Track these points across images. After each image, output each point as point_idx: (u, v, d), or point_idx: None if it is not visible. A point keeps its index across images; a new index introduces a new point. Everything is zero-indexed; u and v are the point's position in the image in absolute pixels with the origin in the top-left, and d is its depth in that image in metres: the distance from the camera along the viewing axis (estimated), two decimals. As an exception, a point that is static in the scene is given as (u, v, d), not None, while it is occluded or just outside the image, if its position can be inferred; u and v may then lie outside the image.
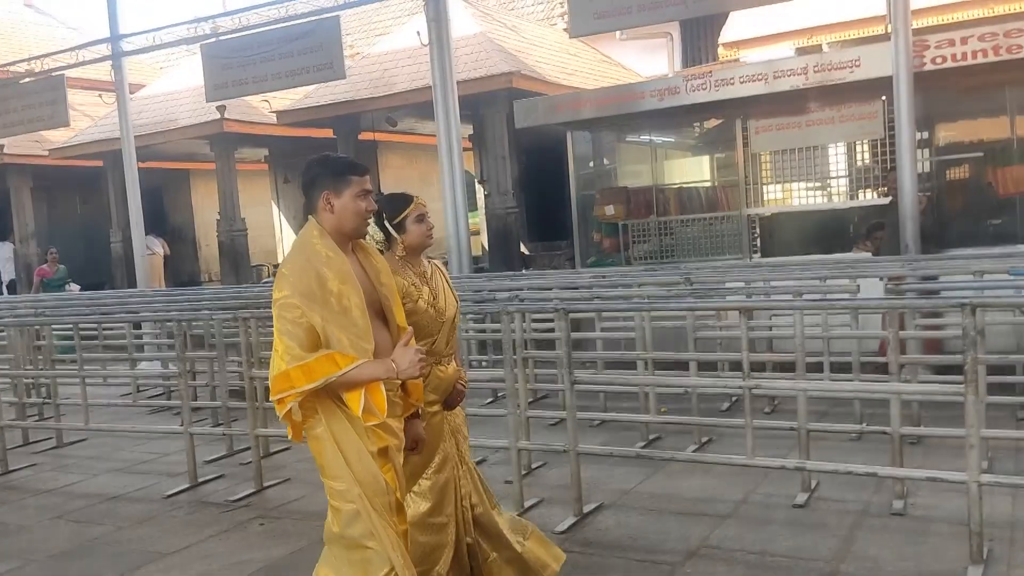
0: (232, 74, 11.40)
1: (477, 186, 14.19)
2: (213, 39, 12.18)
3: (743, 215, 9.20)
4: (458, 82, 9.95)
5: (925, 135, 9.11)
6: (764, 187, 9.41)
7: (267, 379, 6.52)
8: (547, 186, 12.44)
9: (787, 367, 5.58)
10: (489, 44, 12.11)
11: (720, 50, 13.80)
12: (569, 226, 10.60)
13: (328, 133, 13.94)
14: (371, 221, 3.43)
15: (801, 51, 13.20)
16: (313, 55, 10.46)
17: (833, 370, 6.17)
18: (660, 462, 5.77)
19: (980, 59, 7.46)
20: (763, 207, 9.33)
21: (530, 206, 13.07)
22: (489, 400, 7.97)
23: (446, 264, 8.20)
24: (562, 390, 5.54)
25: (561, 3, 16.55)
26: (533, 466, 6.01)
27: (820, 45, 13.29)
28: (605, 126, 10.23)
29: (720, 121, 10.06)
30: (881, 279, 6.29)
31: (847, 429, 5.61)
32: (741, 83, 8.52)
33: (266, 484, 6.00)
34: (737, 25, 12.86)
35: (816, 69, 8.11)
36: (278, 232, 17.60)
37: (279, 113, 13.76)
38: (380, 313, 3.07)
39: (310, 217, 3.07)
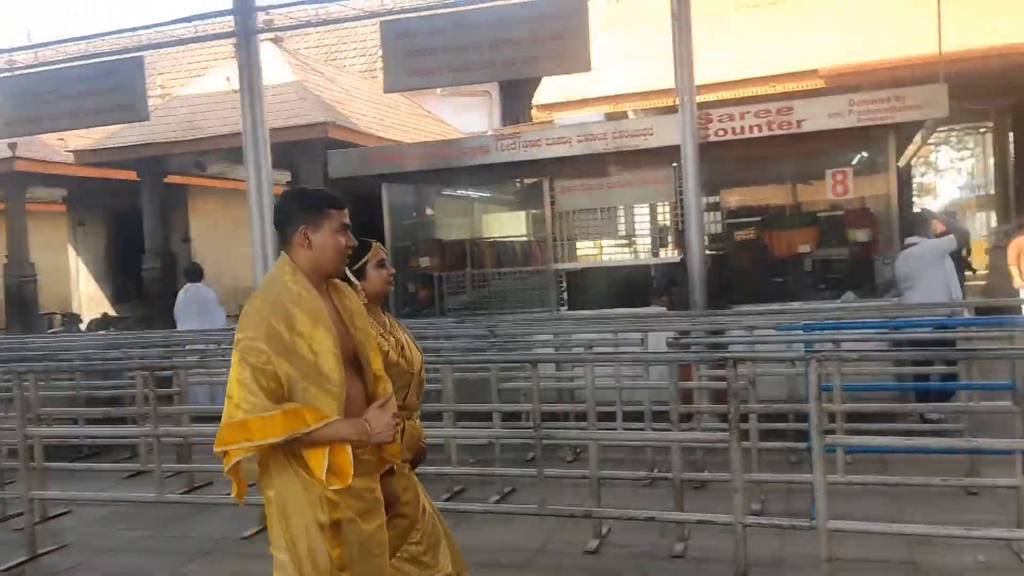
0: (26, 111, 10.70)
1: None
2: (7, 73, 11.42)
3: (551, 270, 9.57)
4: (272, 129, 9.82)
5: (715, 199, 9.88)
6: (572, 243, 9.85)
7: (45, 437, 6.16)
8: (369, 235, 12.41)
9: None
10: (305, 93, 12.06)
11: (534, 111, 14.41)
12: (386, 277, 10.56)
13: (132, 175, 13.31)
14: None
15: (610, 116, 14.03)
16: (115, 95, 10.01)
17: (635, 419, 6.49)
18: (464, 514, 5.86)
19: (756, 133, 8.21)
20: (570, 262, 9.75)
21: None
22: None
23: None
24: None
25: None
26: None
27: (626, 112, 14.20)
28: (420, 179, 10.39)
29: (531, 180, 10.46)
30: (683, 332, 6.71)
31: (636, 476, 5.92)
32: (548, 145, 8.93)
33: (41, 551, 5.57)
34: (549, 89, 13.50)
35: (615, 135, 8.64)
36: (74, 278, 16.49)
37: (77, 153, 13.02)
38: (354, 360, 2.81)
39: (282, 253, 2.85)
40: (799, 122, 8.02)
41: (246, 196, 9.51)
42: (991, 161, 20.36)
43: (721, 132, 8.27)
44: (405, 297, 10.14)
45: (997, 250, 18.49)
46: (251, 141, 9.31)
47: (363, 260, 3.42)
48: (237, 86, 9.62)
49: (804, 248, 8.72)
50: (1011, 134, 17.40)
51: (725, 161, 9.03)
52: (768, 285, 9.20)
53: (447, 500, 6.26)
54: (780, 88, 12.45)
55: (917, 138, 10.05)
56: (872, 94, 7.89)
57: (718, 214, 9.86)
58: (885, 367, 6.59)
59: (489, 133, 14.88)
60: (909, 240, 8.07)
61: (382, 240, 10.40)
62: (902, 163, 12.08)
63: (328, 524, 2.64)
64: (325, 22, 10.91)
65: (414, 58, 8.77)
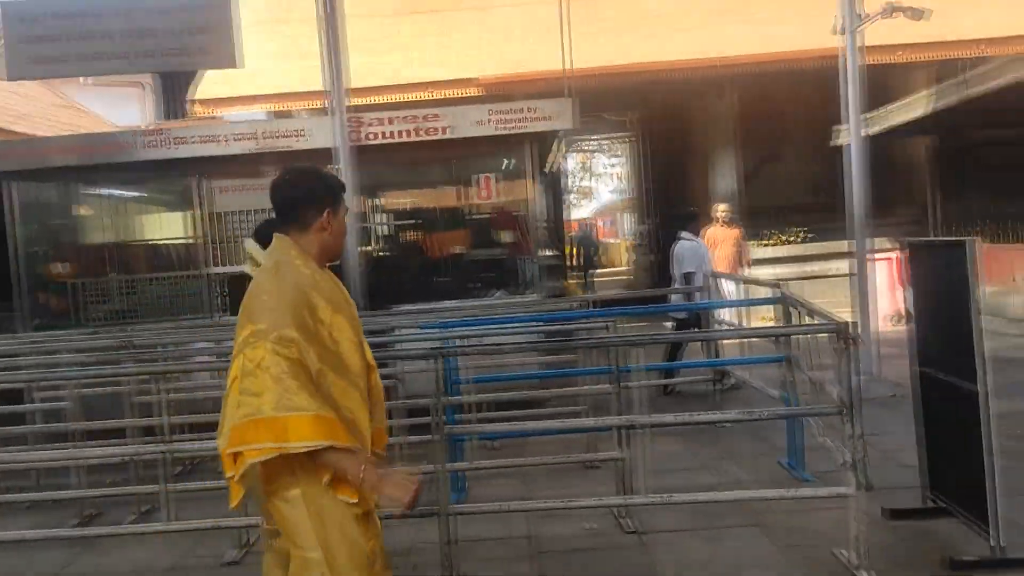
0: None
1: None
2: None
3: (205, 274, 9.17)
4: None
5: (379, 201, 10.04)
6: (231, 246, 9.48)
7: None
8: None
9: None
10: (-90, 76, 10.45)
11: (196, 107, 13.71)
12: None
13: None
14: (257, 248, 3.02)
15: (277, 115, 13.76)
16: None
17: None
18: (95, 539, 5.46)
19: (406, 138, 8.47)
20: (228, 266, 9.40)
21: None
22: None
23: None
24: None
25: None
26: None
27: (293, 112, 14.00)
28: (55, 177, 9.42)
29: (184, 179, 9.93)
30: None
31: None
32: (197, 143, 8.52)
33: None
34: (209, 84, 12.92)
35: (266, 135, 8.46)
36: None
37: None
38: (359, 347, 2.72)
39: (279, 236, 2.66)
40: (445, 128, 8.41)
41: None
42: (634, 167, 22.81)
43: (373, 136, 8.44)
44: (34, 308, 9.13)
45: (639, 247, 20.88)
46: None
47: None
48: None
49: (458, 249, 9.16)
50: (646, 144, 19.67)
51: (385, 164, 9.21)
52: (428, 285, 9.55)
53: (77, 525, 5.79)
54: (442, 94, 13.00)
55: (558, 146, 10.95)
56: (509, 104, 8.48)
57: (383, 216, 10.03)
58: (531, 357, 7.14)
59: (144, 127, 13.90)
60: (685, 234, 9.26)
61: (6, 246, 9.36)
62: (550, 169, 13.14)
63: (362, 515, 2.57)
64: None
65: (39, 44, 7.98)
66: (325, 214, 2.71)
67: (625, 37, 13.77)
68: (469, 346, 5.51)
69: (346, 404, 2.58)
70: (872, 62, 10.11)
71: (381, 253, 9.71)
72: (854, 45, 8.94)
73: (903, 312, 12.37)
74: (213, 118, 14.25)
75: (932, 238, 12.00)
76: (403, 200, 10.08)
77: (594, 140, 26.75)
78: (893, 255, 12.61)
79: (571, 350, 6.29)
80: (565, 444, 6.25)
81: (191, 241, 9.49)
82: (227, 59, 7.76)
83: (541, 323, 6.71)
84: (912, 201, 15.12)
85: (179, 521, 4.65)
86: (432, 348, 4.75)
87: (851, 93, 8.99)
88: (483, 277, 9.38)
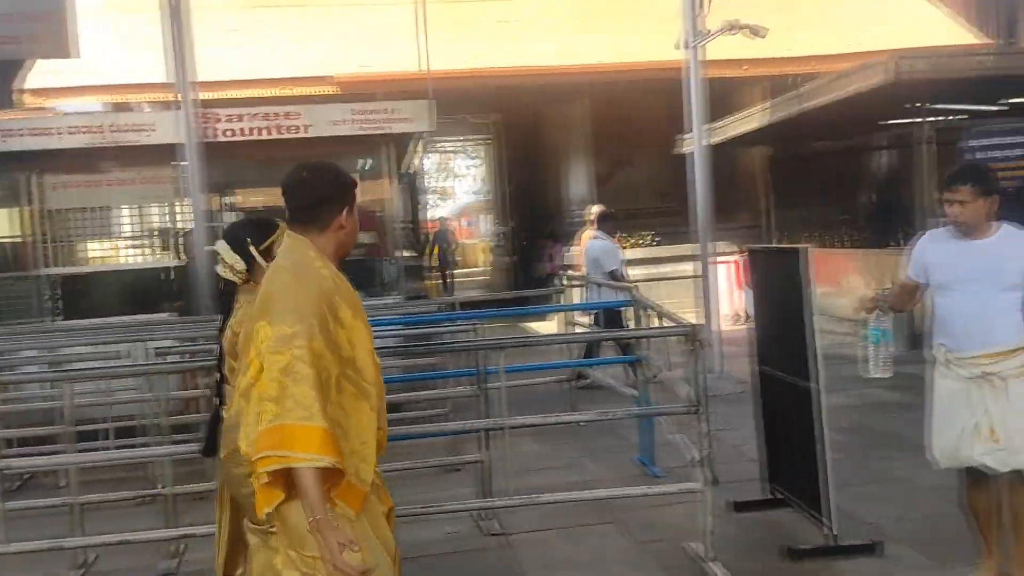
0: None
1: None
2: None
3: (40, 275, 8.59)
4: None
5: (231, 199, 9.67)
6: (67, 245, 8.92)
7: None
8: None
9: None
10: None
11: (25, 96, 12.81)
12: None
13: None
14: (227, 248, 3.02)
15: (118, 108, 13.03)
16: None
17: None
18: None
19: (265, 135, 8.22)
20: (65, 266, 8.83)
21: None
22: None
23: None
24: None
25: None
26: None
27: (141, 104, 13.31)
28: None
29: (14, 174, 9.27)
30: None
31: (122, 496, 5.52)
32: (29, 136, 7.96)
33: None
34: (40, 73, 12.10)
35: (112, 129, 8.01)
36: None
37: None
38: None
39: (292, 235, 2.56)
40: (306, 127, 8.22)
41: None
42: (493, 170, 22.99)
43: (229, 132, 8.15)
44: None
45: (497, 248, 21.13)
46: None
47: (271, 239, 3.13)
48: None
49: (316, 250, 8.94)
50: (504, 147, 19.89)
51: (238, 161, 8.90)
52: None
53: None
54: (299, 91, 12.69)
55: (417, 147, 10.93)
56: (370, 105, 8.40)
57: (235, 215, 9.66)
58: (393, 361, 7.05)
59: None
60: (598, 233, 9.47)
61: None
62: (410, 170, 13.10)
63: (387, 513, 2.63)
64: None
65: None
66: (343, 213, 2.63)
67: (483, 41, 13.92)
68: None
69: (354, 413, 2.47)
70: (714, 75, 10.63)
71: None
72: (696, 59, 9.38)
73: (742, 312, 13.21)
74: (45, 109, 13.36)
75: (769, 244, 12.76)
76: (256, 198, 9.74)
77: (454, 141, 26.77)
78: (734, 259, 13.33)
79: (435, 353, 6.28)
80: (426, 447, 6.25)
81: (23, 240, 8.85)
82: (63, 48, 7.28)
83: (404, 326, 6.66)
84: (752, 207, 16.01)
85: (15, 543, 4.32)
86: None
87: (694, 104, 9.43)
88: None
